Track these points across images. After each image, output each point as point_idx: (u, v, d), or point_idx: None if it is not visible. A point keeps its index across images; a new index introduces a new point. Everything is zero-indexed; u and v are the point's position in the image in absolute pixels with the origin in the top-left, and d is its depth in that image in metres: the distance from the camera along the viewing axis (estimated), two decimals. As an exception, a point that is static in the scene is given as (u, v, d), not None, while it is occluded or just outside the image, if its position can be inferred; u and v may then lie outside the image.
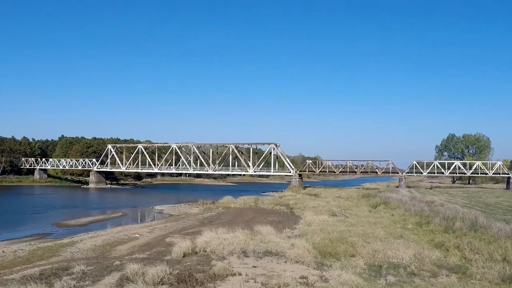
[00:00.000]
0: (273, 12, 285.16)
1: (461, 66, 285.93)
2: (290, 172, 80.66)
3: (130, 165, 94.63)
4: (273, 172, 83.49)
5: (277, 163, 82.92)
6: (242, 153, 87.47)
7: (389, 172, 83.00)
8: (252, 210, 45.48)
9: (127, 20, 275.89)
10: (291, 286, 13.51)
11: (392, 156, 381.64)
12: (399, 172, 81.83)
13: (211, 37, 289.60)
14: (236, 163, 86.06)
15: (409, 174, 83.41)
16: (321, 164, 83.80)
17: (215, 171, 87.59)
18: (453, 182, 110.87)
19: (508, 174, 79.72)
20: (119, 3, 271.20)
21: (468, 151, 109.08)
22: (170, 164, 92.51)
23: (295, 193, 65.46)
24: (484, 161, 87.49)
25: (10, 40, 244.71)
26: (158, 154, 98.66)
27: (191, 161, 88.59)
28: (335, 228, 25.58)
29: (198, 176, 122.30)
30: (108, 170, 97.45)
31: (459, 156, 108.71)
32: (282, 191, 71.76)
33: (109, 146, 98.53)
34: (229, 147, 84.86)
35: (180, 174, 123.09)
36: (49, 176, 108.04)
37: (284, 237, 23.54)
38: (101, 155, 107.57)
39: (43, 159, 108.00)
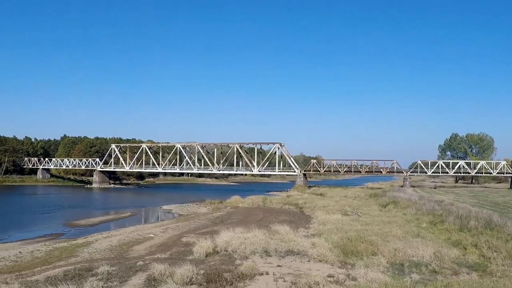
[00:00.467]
0: (275, 10, 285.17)
1: (461, 65, 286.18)
2: (295, 171, 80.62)
3: (134, 164, 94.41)
4: (278, 171, 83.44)
5: (281, 162, 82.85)
6: (247, 152, 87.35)
7: (393, 172, 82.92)
8: (261, 209, 45.37)
9: (128, 20, 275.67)
10: (321, 284, 13.56)
11: (393, 155, 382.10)
12: (403, 171, 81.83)
13: (214, 36, 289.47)
14: (240, 162, 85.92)
15: (414, 174, 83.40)
16: (323, 163, 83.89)
17: (219, 170, 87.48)
18: (456, 181, 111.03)
19: (512, 173, 79.89)
20: (120, 3, 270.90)
21: (471, 150, 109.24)
22: (174, 164, 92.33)
23: (301, 192, 65.45)
24: (489, 161, 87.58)
25: (10, 40, 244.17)
26: (156, 153, 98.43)
27: (195, 161, 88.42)
28: (351, 227, 25.70)
29: (200, 175, 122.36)
30: (112, 169, 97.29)
31: (462, 156, 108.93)
32: (287, 191, 71.73)
33: (113, 146, 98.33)
34: (234, 147, 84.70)
35: (182, 174, 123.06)
36: (52, 176, 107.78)
37: (301, 236, 23.56)
38: (104, 154, 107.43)
39: (46, 159, 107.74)
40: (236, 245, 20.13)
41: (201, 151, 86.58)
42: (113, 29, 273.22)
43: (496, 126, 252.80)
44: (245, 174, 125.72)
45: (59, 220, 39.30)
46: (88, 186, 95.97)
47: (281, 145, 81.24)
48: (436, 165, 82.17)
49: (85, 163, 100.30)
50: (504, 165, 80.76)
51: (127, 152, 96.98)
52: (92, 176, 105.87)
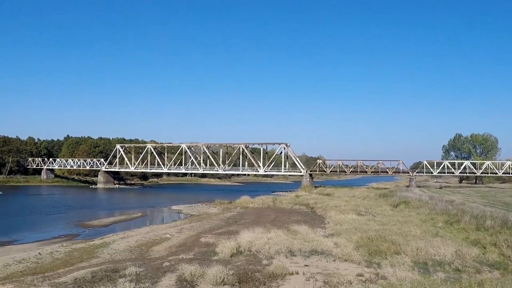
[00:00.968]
0: (277, 10, 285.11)
1: (462, 66, 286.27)
2: (300, 172, 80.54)
3: (139, 165, 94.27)
4: (284, 172, 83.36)
5: (287, 163, 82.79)
6: (252, 152, 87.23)
7: (399, 172, 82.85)
8: (272, 210, 45.24)
9: (128, 20, 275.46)
10: (354, 283, 13.61)
11: (393, 155, 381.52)
12: (409, 172, 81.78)
13: (215, 36, 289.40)
14: (246, 163, 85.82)
15: (420, 174, 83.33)
16: (327, 164, 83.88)
17: (225, 171, 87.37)
18: (460, 181, 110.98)
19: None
20: (122, 3, 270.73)
21: (476, 151, 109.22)
22: (180, 164, 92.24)
23: (308, 192, 65.34)
24: (494, 161, 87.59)
25: (12, 40, 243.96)
26: (161, 153, 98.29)
27: (201, 161, 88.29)
28: (369, 227, 25.78)
29: (203, 176, 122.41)
30: (117, 170, 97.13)
31: (466, 156, 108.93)
32: (292, 191, 71.63)
33: (118, 146, 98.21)
34: (239, 147, 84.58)
35: (186, 174, 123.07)
36: (56, 176, 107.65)
37: (321, 236, 23.53)
38: (108, 155, 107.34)
39: (50, 159, 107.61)
40: (260, 245, 20.20)
41: (207, 151, 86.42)
42: (113, 29, 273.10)
43: (497, 126, 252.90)
44: (248, 175, 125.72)
45: (71, 220, 39.16)
46: (93, 186, 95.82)
47: (286, 145, 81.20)
48: (442, 165, 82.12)
49: (90, 163, 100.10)
50: (509, 165, 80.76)
51: (132, 153, 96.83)
52: (96, 176, 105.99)
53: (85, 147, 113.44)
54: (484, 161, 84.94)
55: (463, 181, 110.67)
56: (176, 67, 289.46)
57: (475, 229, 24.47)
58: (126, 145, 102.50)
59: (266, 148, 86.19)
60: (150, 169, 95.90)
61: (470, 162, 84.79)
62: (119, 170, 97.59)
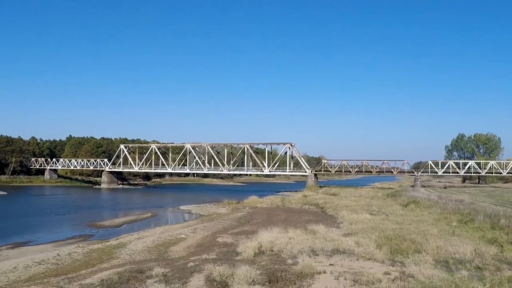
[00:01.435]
0: (281, 10, 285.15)
1: (462, 66, 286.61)
2: (305, 172, 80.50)
3: (143, 165, 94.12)
4: (289, 172, 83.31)
5: (291, 163, 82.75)
6: (257, 153, 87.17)
7: (404, 172, 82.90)
8: (281, 210, 45.16)
9: (129, 19, 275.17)
10: (383, 282, 13.60)
11: (394, 156, 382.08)
12: (414, 172, 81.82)
13: (217, 36, 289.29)
14: (250, 163, 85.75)
15: (424, 174, 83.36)
16: (332, 164, 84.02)
17: (229, 171, 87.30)
18: (463, 181, 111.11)
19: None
20: (125, 3, 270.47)
21: (479, 150, 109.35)
22: (184, 164, 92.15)
23: (315, 192, 65.25)
24: (499, 161, 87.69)
25: (14, 40, 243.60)
26: (165, 154, 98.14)
27: (205, 161, 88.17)
28: (386, 226, 25.82)
29: (206, 176, 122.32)
30: (121, 170, 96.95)
31: (469, 156, 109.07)
32: (301, 191, 71.45)
33: (122, 146, 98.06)
34: (244, 147, 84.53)
35: (188, 174, 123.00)
36: (59, 176, 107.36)
37: (340, 235, 23.48)
38: (110, 155, 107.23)
39: (54, 159, 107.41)
40: (282, 245, 20.18)
41: (211, 151, 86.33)
42: (114, 29, 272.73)
43: (498, 126, 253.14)
44: (251, 175, 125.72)
45: (82, 221, 39.03)
46: (97, 186, 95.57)
47: (291, 145, 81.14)
48: (447, 165, 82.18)
49: (93, 163, 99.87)
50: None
51: (136, 153, 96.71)
52: (99, 176, 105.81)
53: (88, 147, 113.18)
54: (489, 161, 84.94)
55: (466, 181, 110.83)
56: (178, 67, 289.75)
57: (490, 228, 24.60)
58: (130, 145, 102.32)
59: (271, 148, 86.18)
60: (154, 169, 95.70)
61: (475, 162, 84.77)
62: (123, 170, 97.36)
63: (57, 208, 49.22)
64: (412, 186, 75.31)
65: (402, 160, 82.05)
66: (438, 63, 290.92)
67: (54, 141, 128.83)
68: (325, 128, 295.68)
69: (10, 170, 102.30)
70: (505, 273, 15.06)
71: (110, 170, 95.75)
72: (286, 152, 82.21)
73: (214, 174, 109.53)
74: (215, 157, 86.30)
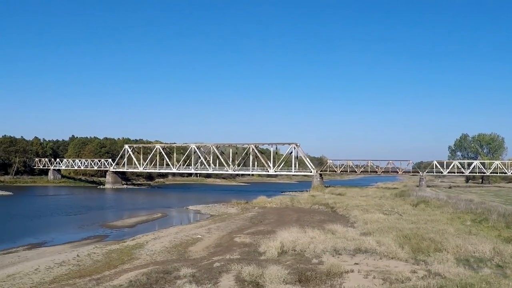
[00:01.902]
0: (285, 10, 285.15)
1: (463, 66, 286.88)
2: (311, 172, 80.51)
3: (147, 165, 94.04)
4: (294, 172, 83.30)
5: (297, 163, 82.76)
6: (262, 152, 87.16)
7: (409, 172, 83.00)
8: (291, 209, 45.14)
9: (133, 19, 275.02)
10: (412, 280, 13.65)
11: (395, 156, 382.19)
12: (419, 171, 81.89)
13: (220, 36, 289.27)
14: (256, 163, 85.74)
15: (430, 174, 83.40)
16: (328, 163, 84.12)
17: (234, 171, 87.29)
18: (467, 181, 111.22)
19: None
20: (129, 3, 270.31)
21: (483, 150, 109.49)
22: (189, 164, 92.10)
23: (321, 192, 65.19)
24: (503, 161, 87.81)
25: (14, 40, 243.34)
26: (169, 154, 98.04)
27: (210, 161, 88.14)
28: (402, 226, 25.89)
29: (208, 176, 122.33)
30: (126, 170, 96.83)
31: (472, 156, 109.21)
32: (307, 191, 71.40)
33: (126, 146, 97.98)
34: (249, 147, 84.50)
35: (191, 174, 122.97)
36: (62, 176, 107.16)
37: (359, 234, 23.48)
38: (114, 155, 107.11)
39: (58, 160, 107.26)
40: (304, 244, 20.18)
41: (216, 151, 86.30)
42: (116, 29, 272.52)
43: (499, 126, 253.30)
44: (253, 175, 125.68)
45: (94, 221, 38.95)
46: (101, 186, 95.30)
47: (297, 145, 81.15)
48: (452, 165, 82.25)
49: (97, 163, 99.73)
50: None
51: (141, 153, 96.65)
52: (102, 176, 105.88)
53: (92, 147, 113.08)
54: (493, 161, 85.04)
55: (469, 180, 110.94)
56: (181, 67, 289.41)
57: (505, 227, 24.73)
58: (134, 145, 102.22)
59: (276, 148, 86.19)
60: (159, 170, 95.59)
61: (480, 162, 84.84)
62: (127, 170, 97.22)
63: (66, 209, 49.10)
64: (417, 186, 75.32)
65: (407, 160, 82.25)
66: (439, 63, 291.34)
67: (57, 141, 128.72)
68: (325, 128, 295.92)
69: (13, 170, 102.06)
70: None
71: (114, 170, 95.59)
72: (292, 152, 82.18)
73: (216, 174, 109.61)
74: (220, 157, 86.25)
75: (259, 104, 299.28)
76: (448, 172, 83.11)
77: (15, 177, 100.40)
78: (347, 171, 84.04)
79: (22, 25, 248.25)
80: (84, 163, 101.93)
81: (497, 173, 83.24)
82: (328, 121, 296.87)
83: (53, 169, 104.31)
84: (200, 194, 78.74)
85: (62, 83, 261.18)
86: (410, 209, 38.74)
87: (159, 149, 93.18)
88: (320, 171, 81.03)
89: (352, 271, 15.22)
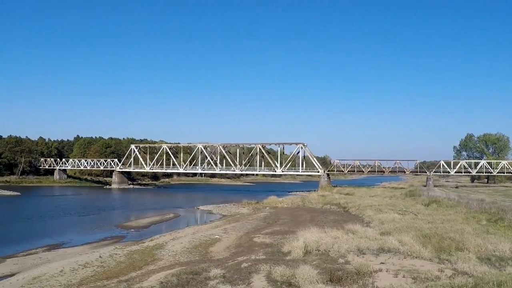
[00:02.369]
0: (290, 10, 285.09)
1: (463, 66, 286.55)
2: (318, 172, 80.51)
3: (154, 165, 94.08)
4: (302, 172, 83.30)
5: (304, 163, 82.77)
6: (269, 153, 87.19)
7: (417, 172, 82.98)
8: (303, 209, 45.08)
9: (136, 18, 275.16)
10: (442, 279, 13.62)
11: (396, 156, 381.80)
12: (427, 171, 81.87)
13: (221, 36, 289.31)
14: (263, 163, 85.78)
15: (437, 173, 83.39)
16: (330, 163, 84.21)
17: (242, 171, 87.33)
18: (472, 181, 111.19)
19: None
20: (132, 2, 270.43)
21: (488, 150, 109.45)
22: (195, 164, 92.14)
23: (330, 192, 65.14)
24: (510, 161, 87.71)
25: (19, 40, 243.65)
26: (175, 153, 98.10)
27: (217, 161, 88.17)
28: (420, 225, 25.82)
29: (213, 176, 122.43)
30: (132, 170, 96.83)
31: (478, 156, 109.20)
32: (314, 191, 71.30)
33: (132, 146, 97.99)
34: (256, 147, 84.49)
35: (195, 174, 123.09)
36: (68, 176, 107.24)
37: (378, 234, 23.46)
38: (119, 155, 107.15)
39: (63, 159, 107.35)
40: (328, 244, 20.14)
41: (223, 151, 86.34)
42: (117, 28, 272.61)
43: (500, 126, 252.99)
44: (257, 175, 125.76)
45: (107, 222, 39.03)
46: (108, 187, 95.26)
47: (304, 145, 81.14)
48: (459, 165, 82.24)
49: (103, 163, 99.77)
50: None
51: (147, 153, 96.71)
52: (108, 176, 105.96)
53: (97, 147, 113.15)
54: (500, 161, 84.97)
55: (475, 180, 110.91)
56: (184, 67, 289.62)
57: (522, 226, 24.66)
58: (141, 145, 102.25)
59: (283, 148, 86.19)
60: (166, 170, 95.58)
61: (487, 162, 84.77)
62: (134, 170, 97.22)
63: (77, 209, 49.11)
64: (424, 186, 75.30)
65: (414, 160, 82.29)
66: (444, 63, 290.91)
67: (62, 141, 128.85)
68: (327, 128, 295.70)
69: (19, 170, 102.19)
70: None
71: (120, 170, 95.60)
72: (299, 152, 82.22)
73: (221, 174, 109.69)
74: (227, 157, 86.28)
75: (258, 105, 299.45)
76: (456, 172, 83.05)
77: (21, 177, 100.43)
78: (354, 171, 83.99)
79: (26, 25, 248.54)
80: (90, 163, 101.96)
81: (504, 172, 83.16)
82: (330, 120, 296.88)
83: (59, 169, 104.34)
84: (207, 194, 78.80)
85: (65, 83, 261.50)
86: (423, 209, 38.72)
87: (166, 149, 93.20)
88: (328, 171, 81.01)
89: (381, 270, 15.18)
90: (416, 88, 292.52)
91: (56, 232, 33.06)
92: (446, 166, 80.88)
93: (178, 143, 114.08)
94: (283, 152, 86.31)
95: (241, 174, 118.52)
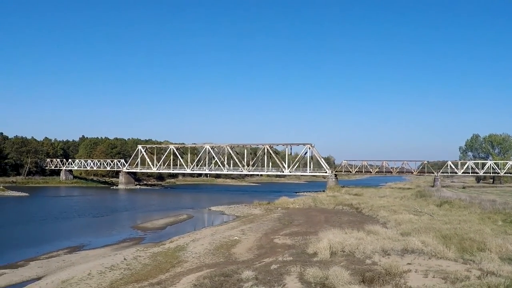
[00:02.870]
0: (292, 10, 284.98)
1: (463, 66, 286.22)
2: (326, 172, 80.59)
3: (161, 166, 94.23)
4: (309, 172, 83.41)
5: (311, 163, 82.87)
6: (277, 153, 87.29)
7: (424, 172, 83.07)
8: (316, 210, 45.17)
9: (137, 18, 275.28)
10: (471, 279, 13.68)
11: (396, 155, 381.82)
12: (434, 172, 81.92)
13: (222, 36, 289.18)
14: (270, 163, 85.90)
15: (444, 174, 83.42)
16: (334, 163, 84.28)
17: (249, 171, 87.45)
18: (478, 181, 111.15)
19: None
20: (135, 2, 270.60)
21: (494, 150, 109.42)
22: (203, 165, 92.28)
23: (339, 192, 65.26)
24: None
25: (23, 40, 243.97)
26: (182, 154, 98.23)
27: (225, 162, 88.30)
28: (438, 226, 25.98)
29: (218, 176, 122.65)
30: (139, 170, 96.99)
31: (483, 156, 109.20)
32: (322, 191, 71.45)
33: (139, 147, 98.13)
34: (264, 148, 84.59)
35: (201, 174, 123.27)
36: (74, 177, 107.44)
37: (398, 234, 23.53)
38: (125, 155, 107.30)
39: (70, 160, 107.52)
40: (353, 245, 20.18)
41: (231, 151, 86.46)
42: (118, 28, 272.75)
43: (500, 126, 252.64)
44: (261, 175, 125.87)
45: (123, 223, 39.18)
46: (114, 187, 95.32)
47: (311, 146, 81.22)
48: (466, 166, 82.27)
49: (110, 164, 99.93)
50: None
51: (154, 153, 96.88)
52: (114, 177, 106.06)
53: (103, 147, 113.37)
54: (507, 161, 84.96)
55: (480, 181, 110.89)
56: (187, 67, 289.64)
57: (538, 226, 24.90)
58: (147, 146, 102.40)
59: (291, 148, 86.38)
60: (173, 170, 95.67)
61: (494, 162, 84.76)
62: (141, 171, 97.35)
63: (89, 210, 49.16)
64: (432, 186, 75.33)
65: (421, 161, 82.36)
66: (449, 63, 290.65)
67: (67, 141, 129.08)
68: (330, 128, 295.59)
69: (25, 171, 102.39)
70: None
71: (127, 170, 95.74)
72: (306, 153, 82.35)
73: (226, 175, 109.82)
74: (234, 157, 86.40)
75: (257, 105, 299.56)
76: (463, 173, 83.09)
77: (27, 177, 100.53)
78: (362, 172, 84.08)
79: (30, 25, 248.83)
80: (97, 163, 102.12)
81: (510, 173, 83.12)
82: (332, 121, 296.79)
83: (65, 170, 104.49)
84: (214, 195, 78.88)
85: (70, 83, 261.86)
86: (436, 209, 38.79)
87: (173, 149, 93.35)
88: (335, 172, 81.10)
89: (410, 271, 15.21)
90: (419, 89, 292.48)
91: (73, 233, 33.10)
92: (453, 167, 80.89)
93: (183, 143, 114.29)
94: (290, 153, 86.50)
95: (246, 175, 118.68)
